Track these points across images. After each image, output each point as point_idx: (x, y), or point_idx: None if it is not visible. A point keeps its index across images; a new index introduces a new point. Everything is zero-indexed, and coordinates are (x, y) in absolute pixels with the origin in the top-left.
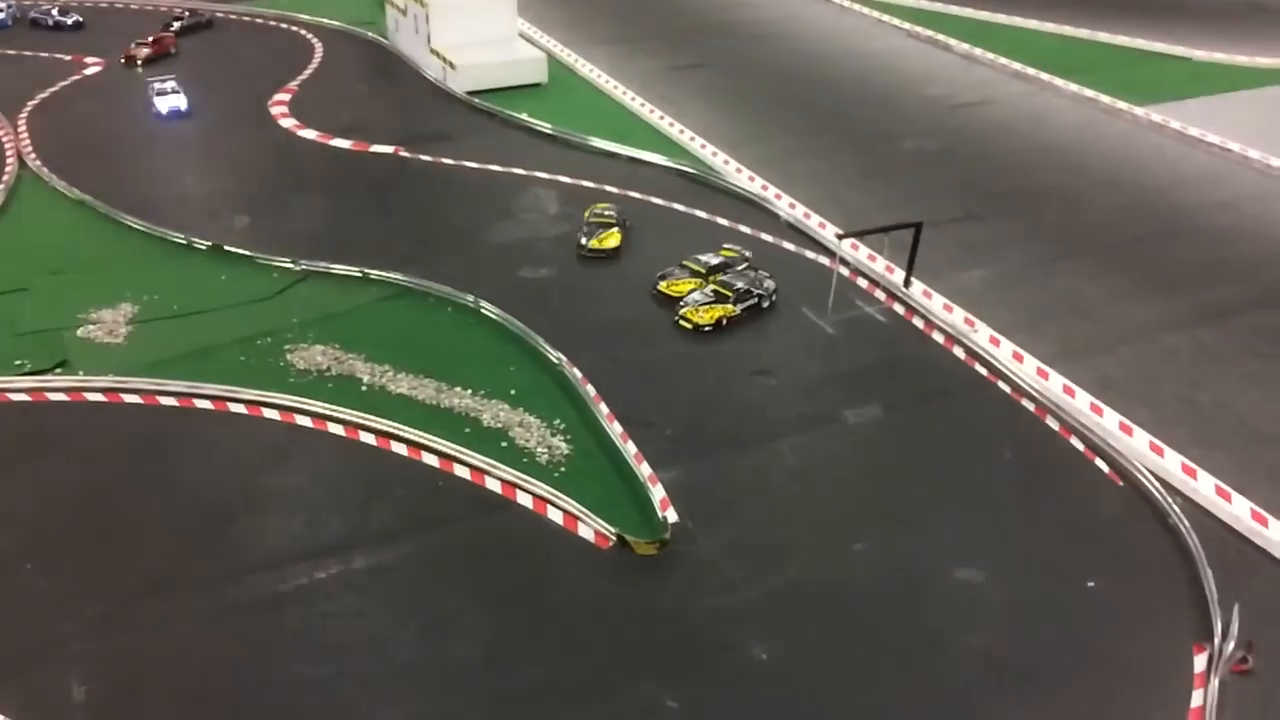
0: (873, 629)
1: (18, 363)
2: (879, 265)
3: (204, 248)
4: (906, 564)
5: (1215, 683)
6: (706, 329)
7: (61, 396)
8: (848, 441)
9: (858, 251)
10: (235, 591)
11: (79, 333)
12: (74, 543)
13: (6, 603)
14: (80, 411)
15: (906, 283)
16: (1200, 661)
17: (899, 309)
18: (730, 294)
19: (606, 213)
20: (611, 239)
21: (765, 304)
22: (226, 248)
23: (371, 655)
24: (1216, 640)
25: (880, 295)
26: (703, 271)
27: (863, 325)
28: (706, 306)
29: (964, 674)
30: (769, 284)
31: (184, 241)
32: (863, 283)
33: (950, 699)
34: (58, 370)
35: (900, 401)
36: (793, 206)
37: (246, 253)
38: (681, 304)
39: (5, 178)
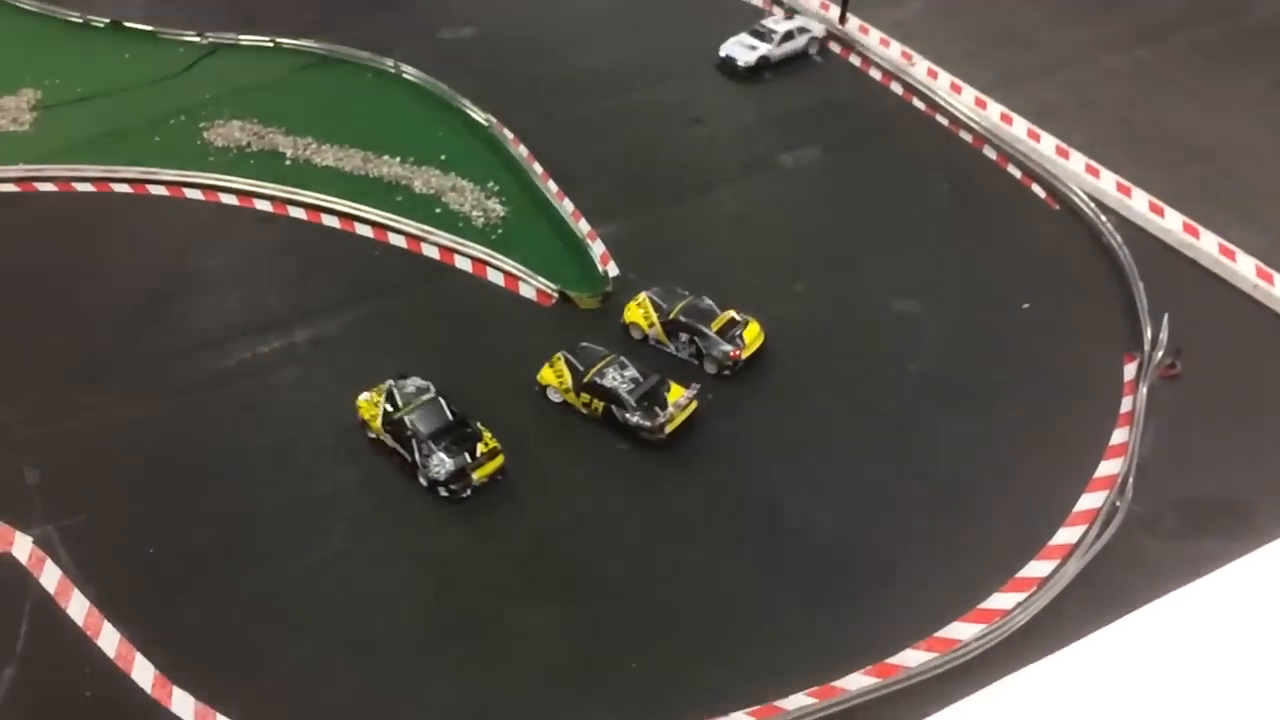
0: (815, 362)
1: None
2: (813, 2)
3: (102, 25)
4: (847, 300)
5: (1144, 389)
6: None
7: None
8: (785, 185)
9: None
10: (178, 370)
11: None
12: (2, 333)
13: None
14: None
15: (842, 19)
16: (1130, 370)
17: (834, 46)
18: None
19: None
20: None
21: None
22: (126, 24)
23: (321, 422)
24: (1146, 349)
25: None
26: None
27: (798, 66)
28: None
29: (904, 397)
30: None
31: (80, 20)
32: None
33: (890, 420)
34: None
35: (838, 142)
36: None
37: (148, 28)
38: None
39: None
